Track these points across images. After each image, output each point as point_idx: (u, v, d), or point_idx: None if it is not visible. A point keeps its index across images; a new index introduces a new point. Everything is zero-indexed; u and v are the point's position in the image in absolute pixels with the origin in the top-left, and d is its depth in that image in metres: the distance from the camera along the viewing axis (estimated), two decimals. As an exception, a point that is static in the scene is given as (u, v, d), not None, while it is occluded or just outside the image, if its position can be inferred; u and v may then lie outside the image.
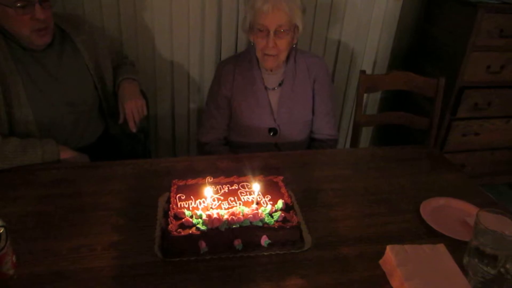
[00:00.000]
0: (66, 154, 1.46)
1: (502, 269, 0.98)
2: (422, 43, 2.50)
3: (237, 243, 1.07)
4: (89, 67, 1.63)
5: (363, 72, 2.07)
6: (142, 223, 1.16)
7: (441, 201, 1.32)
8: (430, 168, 1.53)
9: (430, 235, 1.17)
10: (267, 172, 1.29)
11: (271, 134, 1.67)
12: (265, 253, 1.08)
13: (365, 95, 2.09)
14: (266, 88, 1.66)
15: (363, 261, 1.08)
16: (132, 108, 1.61)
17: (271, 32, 1.51)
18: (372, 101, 2.54)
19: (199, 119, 2.35)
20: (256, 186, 1.16)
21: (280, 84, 1.67)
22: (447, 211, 1.29)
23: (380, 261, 1.07)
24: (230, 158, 1.51)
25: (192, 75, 2.28)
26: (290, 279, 1.02)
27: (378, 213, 1.26)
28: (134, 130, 1.62)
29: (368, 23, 2.37)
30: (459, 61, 2.21)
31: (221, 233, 1.06)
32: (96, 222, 1.15)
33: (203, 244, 1.05)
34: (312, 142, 1.78)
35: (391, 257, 1.03)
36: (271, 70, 1.65)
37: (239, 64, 1.68)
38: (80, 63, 1.61)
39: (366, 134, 2.62)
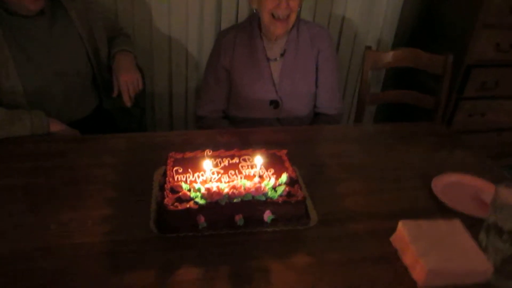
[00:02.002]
0: (56, 127, 1.37)
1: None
2: (428, 21, 2.40)
3: (238, 218, 1.00)
4: (82, 36, 1.53)
5: (368, 48, 1.98)
6: (136, 198, 1.08)
7: (453, 177, 1.25)
8: (440, 145, 1.46)
9: (443, 212, 1.10)
10: (270, 147, 1.21)
11: (273, 106, 1.59)
12: (268, 230, 1.01)
13: (370, 72, 2.01)
14: (268, 59, 1.58)
15: (373, 238, 1.01)
16: (127, 81, 1.52)
17: None
18: (376, 79, 2.46)
19: (197, 97, 2.26)
20: (258, 159, 1.09)
21: (282, 55, 1.58)
22: (460, 187, 1.22)
23: (392, 238, 1.01)
24: (231, 132, 1.44)
25: (191, 51, 2.18)
26: (296, 256, 0.95)
27: (387, 189, 1.19)
28: (128, 104, 1.53)
29: (373, 2, 2.27)
30: (468, 39, 2.12)
31: (221, 208, 0.98)
32: (88, 196, 1.08)
33: (201, 219, 0.98)
34: (316, 117, 1.70)
35: (404, 233, 0.96)
36: (276, 39, 1.56)
37: (240, 33, 1.59)
38: (73, 32, 1.52)
39: (368, 112, 2.53)
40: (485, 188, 1.20)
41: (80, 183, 1.13)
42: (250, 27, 1.58)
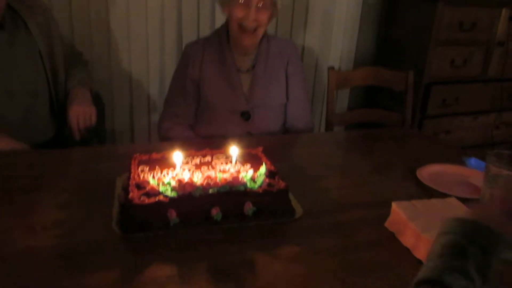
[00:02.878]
0: (2, 142, 1.22)
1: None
2: (385, 45, 2.48)
3: (215, 212, 0.87)
4: (42, 53, 1.42)
5: (331, 68, 1.99)
6: (96, 202, 0.94)
7: (437, 167, 1.19)
8: (416, 143, 1.43)
9: (434, 197, 1.02)
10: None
11: (244, 118, 1.51)
12: (250, 224, 0.89)
13: (335, 92, 2.01)
14: (238, 70, 1.52)
15: (366, 224, 0.92)
16: (78, 114, 1.40)
17: (253, 6, 1.40)
18: (341, 99, 2.46)
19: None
20: (233, 151, 0.99)
21: (253, 66, 1.54)
22: (446, 175, 1.16)
23: (386, 223, 0.91)
24: (199, 142, 1.33)
25: (152, 82, 2.12)
26: (284, 247, 0.83)
27: (371, 182, 1.12)
28: (77, 138, 1.40)
29: (331, 28, 2.33)
30: (423, 57, 2.19)
31: (195, 200, 0.86)
32: (38, 202, 0.93)
33: (173, 214, 0.85)
34: (286, 133, 1.63)
35: (400, 213, 0.87)
36: (245, 53, 1.52)
37: (208, 45, 1.54)
38: (33, 48, 1.41)
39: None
40: (471, 174, 1.15)
41: (30, 191, 0.98)
42: (219, 39, 1.54)
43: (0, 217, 0.87)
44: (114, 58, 2.02)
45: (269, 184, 0.94)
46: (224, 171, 0.96)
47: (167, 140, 1.51)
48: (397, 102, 2.15)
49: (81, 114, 1.40)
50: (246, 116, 1.51)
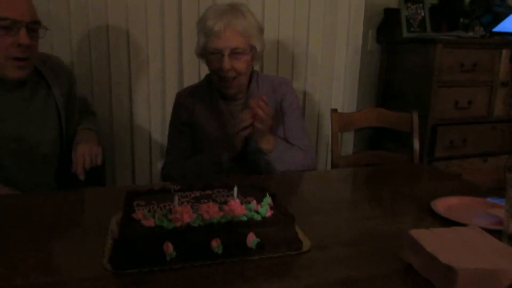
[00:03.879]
0: None
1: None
2: (387, 88, 2.49)
3: (216, 244, 0.80)
4: (60, 113, 1.40)
5: (334, 110, 1.98)
6: (87, 241, 0.87)
7: (453, 199, 1.11)
8: (428, 178, 1.36)
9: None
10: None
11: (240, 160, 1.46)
12: (254, 257, 0.81)
13: (339, 134, 1.98)
14: (231, 114, 1.49)
15: (380, 256, 0.84)
16: (84, 153, 1.36)
17: (226, 55, 1.38)
18: (346, 143, 2.42)
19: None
20: (235, 189, 0.93)
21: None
22: (463, 207, 1.08)
23: (402, 255, 0.83)
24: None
25: (154, 137, 2.11)
26: (293, 279, 0.75)
27: (383, 215, 1.05)
28: (81, 177, 1.36)
29: (331, 75, 2.35)
30: (427, 99, 2.18)
31: (194, 231, 0.79)
32: (24, 240, 0.86)
33: (169, 247, 0.78)
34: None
35: (418, 241, 0.79)
36: (234, 99, 1.50)
37: (198, 91, 1.53)
38: (51, 107, 1.39)
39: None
40: (490, 205, 1.07)
41: (18, 229, 0.91)
42: (209, 85, 1.53)
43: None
44: (116, 113, 2.03)
45: (273, 215, 0.87)
46: (225, 203, 0.90)
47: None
48: (402, 145, 2.12)
49: (87, 153, 1.36)
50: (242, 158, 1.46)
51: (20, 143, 1.32)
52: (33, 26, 1.23)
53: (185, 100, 1.53)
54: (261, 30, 1.49)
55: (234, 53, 1.38)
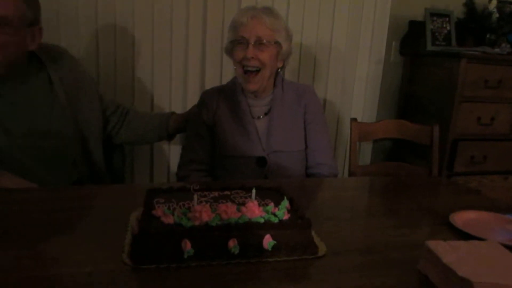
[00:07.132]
0: (5, 181, 1.19)
1: None
2: (408, 100, 2.47)
3: (233, 244, 0.81)
4: (62, 102, 1.42)
5: (354, 119, 1.98)
6: (108, 236, 0.89)
7: (472, 214, 1.10)
8: (446, 191, 1.35)
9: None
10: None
11: (260, 164, 1.47)
12: (269, 259, 0.82)
13: (357, 144, 1.97)
14: (252, 116, 1.51)
15: (396, 266, 0.83)
16: None
17: (251, 43, 1.41)
18: (364, 153, 2.41)
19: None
20: (253, 191, 0.94)
21: (266, 113, 1.52)
22: (481, 222, 1.07)
23: (419, 266, 0.83)
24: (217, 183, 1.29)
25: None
26: (307, 284, 0.75)
27: (401, 225, 1.04)
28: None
29: (352, 84, 2.35)
30: (449, 113, 2.16)
31: (212, 230, 0.81)
32: (48, 235, 0.88)
33: (187, 245, 0.79)
34: (308, 178, 1.57)
35: (437, 253, 0.79)
36: (256, 96, 1.52)
37: (224, 92, 1.56)
38: (53, 100, 1.42)
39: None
40: (511, 222, 1.06)
41: (42, 225, 0.93)
42: (234, 86, 1.55)
43: (10, 248, 0.82)
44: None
45: (290, 218, 0.88)
46: (243, 204, 0.91)
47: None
48: (421, 159, 2.09)
49: None
50: (262, 162, 1.47)
51: (30, 136, 1.34)
52: None
53: (209, 99, 1.55)
54: (288, 35, 1.51)
55: (259, 43, 1.42)
